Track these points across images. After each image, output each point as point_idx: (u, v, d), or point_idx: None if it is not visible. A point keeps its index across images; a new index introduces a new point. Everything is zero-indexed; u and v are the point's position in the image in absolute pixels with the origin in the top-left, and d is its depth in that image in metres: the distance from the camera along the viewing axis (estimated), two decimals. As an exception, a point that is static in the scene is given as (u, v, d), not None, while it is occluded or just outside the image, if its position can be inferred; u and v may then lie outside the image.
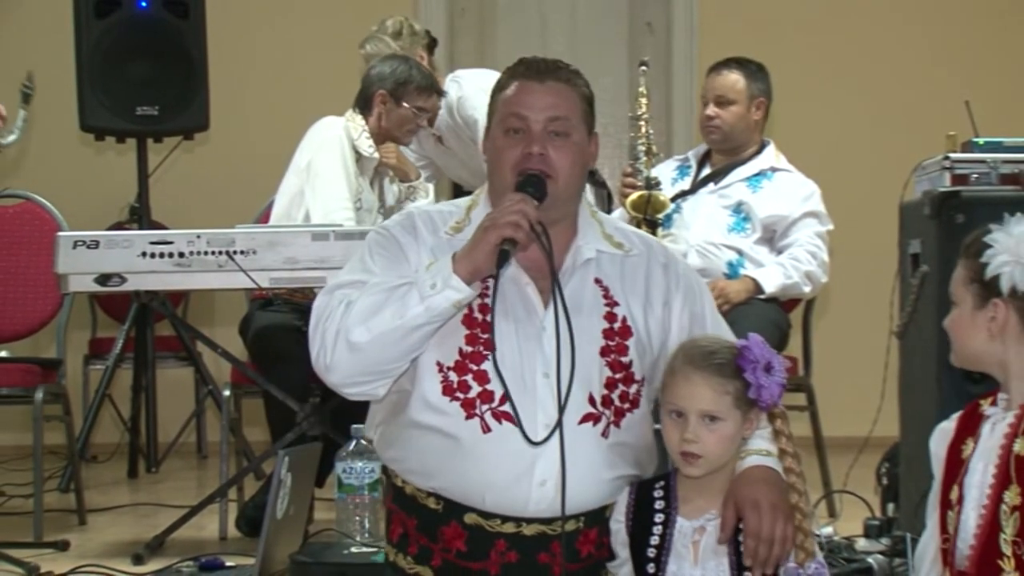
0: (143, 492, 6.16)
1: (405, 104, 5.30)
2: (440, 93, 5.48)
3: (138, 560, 4.47)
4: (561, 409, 2.87)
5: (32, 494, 5.08)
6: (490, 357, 2.92)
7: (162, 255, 4.43)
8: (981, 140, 4.54)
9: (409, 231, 3.06)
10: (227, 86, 6.58)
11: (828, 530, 4.38)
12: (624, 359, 3.00)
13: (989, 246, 2.74)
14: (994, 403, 2.81)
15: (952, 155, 4.49)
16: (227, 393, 5.29)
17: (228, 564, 4.27)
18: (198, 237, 4.45)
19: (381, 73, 5.32)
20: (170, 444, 6.95)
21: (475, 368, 2.92)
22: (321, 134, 5.27)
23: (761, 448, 2.93)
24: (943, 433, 2.89)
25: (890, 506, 4.79)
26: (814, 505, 4.59)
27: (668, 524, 2.90)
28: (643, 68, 5.59)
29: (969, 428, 2.82)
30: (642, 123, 5.48)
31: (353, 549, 4.01)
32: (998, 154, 4.47)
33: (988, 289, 2.74)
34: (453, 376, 2.93)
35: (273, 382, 4.77)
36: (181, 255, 4.43)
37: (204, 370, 6.15)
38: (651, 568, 2.89)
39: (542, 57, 3.10)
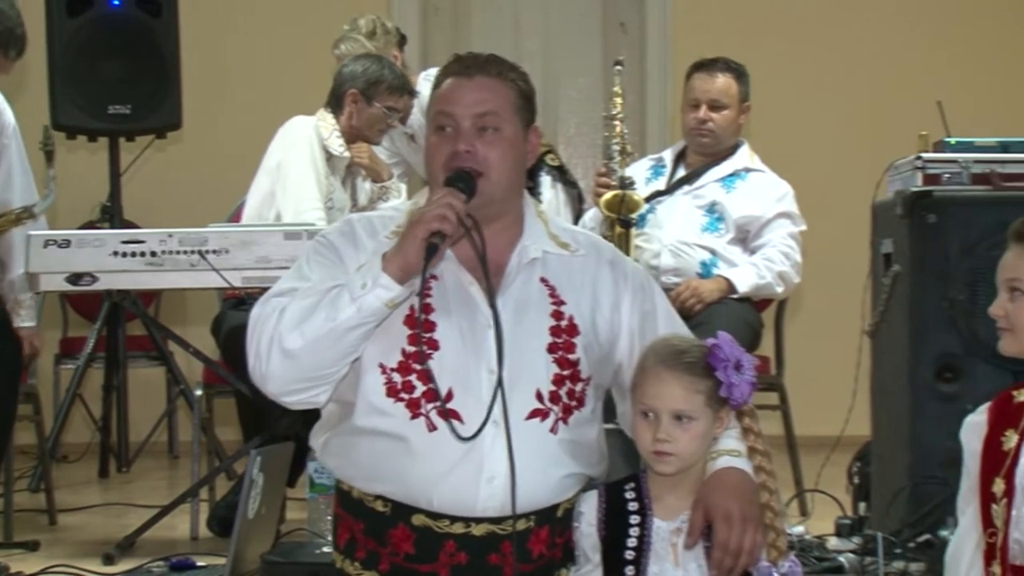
0: (114, 492, 6.15)
1: (376, 104, 5.30)
2: (412, 93, 5.48)
3: (108, 560, 4.46)
4: (494, 401, 2.84)
5: (2, 494, 5.06)
6: (433, 355, 2.90)
7: (134, 254, 4.42)
8: (953, 140, 4.57)
9: (348, 237, 3.04)
10: (200, 85, 6.57)
11: (799, 529, 4.39)
12: (571, 356, 2.98)
13: None
14: None
15: (924, 155, 4.52)
16: (199, 393, 5.30)
17: (199, 564, 4.27)
18: (170, 236, 4.45)
19: (353, 72, 5.32)
20: (141, 444, 6.94)
21: (419, 367, 2.89)
22: (291, 134, 5.27)
23: (732, 448, 2.94)
24: (975, 426, 2.88)
25: (861, 505, 4.81)
26: (786, 504, 4.61)
27: (645, 526, 2.90)
28: (618, 68, 5.60)
29: (1006, 419, 2.82)
30: (617, 123, 5.49)
31: (325, 549, 4.00)
32: (969, 154, 4.50)
33: None
34: (397, 377, 2.91)
35: (245, 381, 4.75)
36: (153, 254, 4.43)
37: (176, 369, 6.14)
38: (630, 571, 2.89)
39: (478, 53, 3.08)
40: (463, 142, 2.95)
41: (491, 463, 2.88)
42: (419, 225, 2.84)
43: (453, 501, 2.89)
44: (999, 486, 2.78)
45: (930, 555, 4.11)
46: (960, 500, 2.92)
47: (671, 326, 3.13)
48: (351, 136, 5.33)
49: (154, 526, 4.72)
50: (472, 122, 2.95)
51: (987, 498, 2.81)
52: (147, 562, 4.33)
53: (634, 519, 2.91)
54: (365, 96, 5.29)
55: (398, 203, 3.15)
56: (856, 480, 4.90)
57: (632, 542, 2.89)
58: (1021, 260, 2.77)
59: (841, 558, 4.10)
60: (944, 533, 4.06)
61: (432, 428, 2.88)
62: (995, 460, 2.81)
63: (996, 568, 2.78)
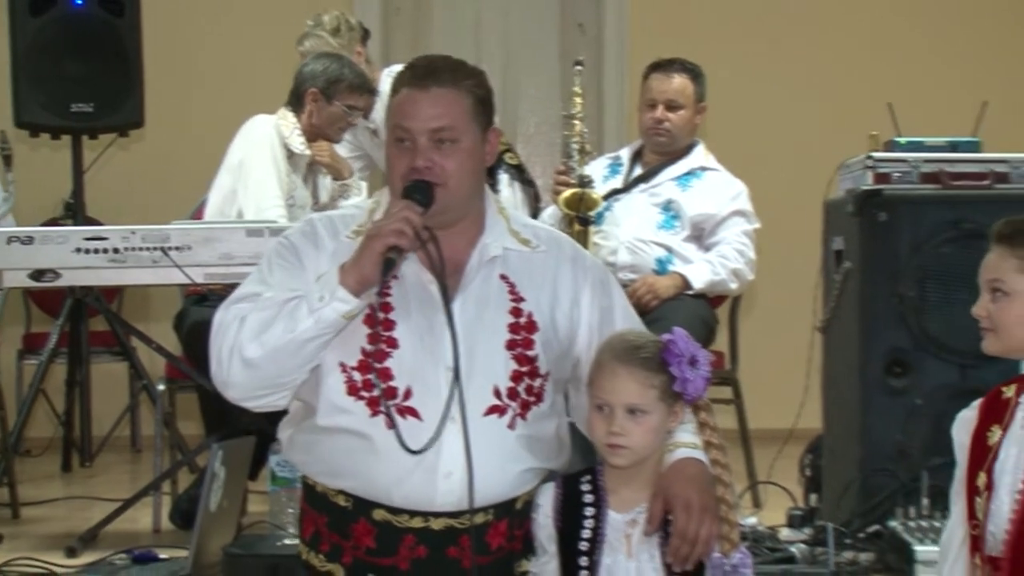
0: (77, 486, 6.12)
1: (336, 102, 5.29)
2: (372, 91, 5.47)
3: (71, 553, 4.44)
4: (450, 399, 2.86)
5: (-34, 488, 5.04)
6: (392, 354, 2.91)
7: (97, 251, 4.41)
8: (903, 140, 4.59)
9: (309, 238, 3.04)
10: (162, 84, 6.53)
11: (753, 520, 4.41)
12: (530, 353, 2.99)
13: None
14: (1021, 391, 2.83)
15: (875, 154, 4.54)
16: (161, 388, 5.28)
17: (161, 556, 4.25)
18: (133, 233, 4.43)
19: (313, 71, 5.31)
20: (104, 438, 6.90)
21: (378, 366, 2.90)
22: (252, 133, 5.26)
23: (689, 441, 2.95)
24: (965, 421, 2.91)
25: (813, 496, 4.84)
26: (739, 495, 4.64)
27: (599, 517, 2.91)
28: (578, 68, 5.61)
29: (993, 415, 2.85)
30: (576, 122, 5.50)
31: (286, 541, 3.99)
32: (919, 153, 4.53)
33: None
34: (357, 375, 2.92)
35: (207, 376, 4.73)
36: (116, 251, 4.41)
37: (138, 365, 6.10)
38: (584, 562, 2.89)
39: (432, 57, 3.05)
40: (420, 158, 2.93)
41: (449, 459, 2.88)
42: (377, 239, 2.84)
43: (412, 497, 2.91)
44: (982, 480, 2.81)
45: (879, 545, 4.13)
46: (952, 493, 2.96)
47: (628, 322, 3.14)
48: (312, 134, 5.32)
49: (117, 519, 4.70)
50: (428, 136, 2.94)
51: (972, 491, 2.84)
52: (110, 554, 4.31)
53: (589, 511, 2.92)
54: (325, 95, 5.28)
55: (359, 201, 3.15)
56: (808, 472, 4.92)
57: (587, 533, 2.90)
58: (1003, 261, 2.79)
59: (793, 548, 4.11)
60: (893, 524, 4.09)
61: (391, 426, 2.88)
62: (980, 454, 2.84)
63: (978, 559, 2.81)
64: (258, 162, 5.17)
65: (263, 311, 2.89)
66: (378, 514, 2.93)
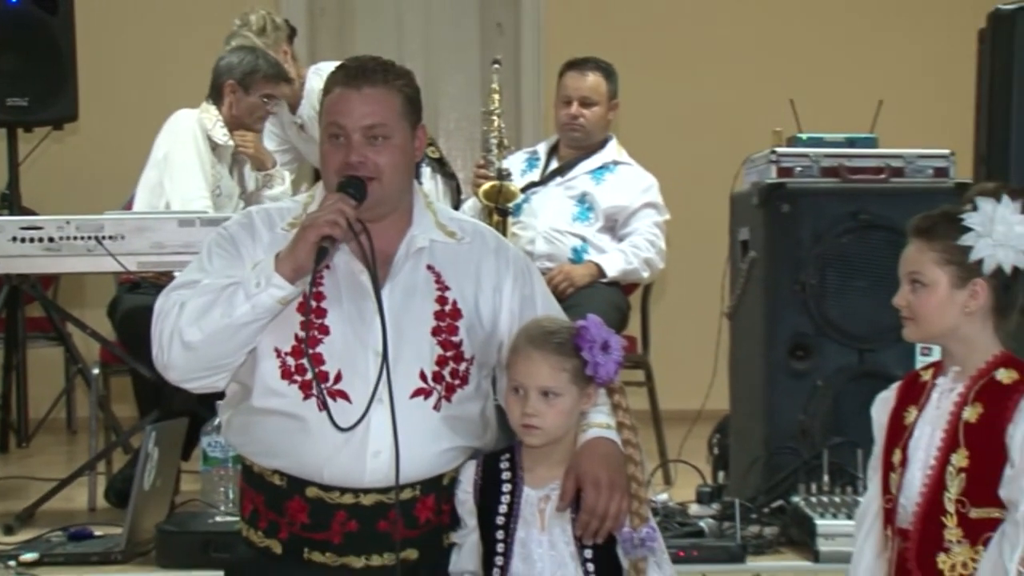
0: (14, 466, 6.05)
1: (253, 92, 5.27)
2: (288, 80, 5.44)
3: (8, 531, 4.39)
4: (378, 382, 2.87)
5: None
6: (324, 340, 2.94)
7: (33, 240, 4.36)
8: (804, 136, 4.63)
9: (247, 229, 3.07)
10: (96, 79, 6.47)
11: (664, 496, 4.43)
12: (454, 339, 3.02)
13: (968, 230, 2.78)
14: (936, 374, 2.88)
15: (778, 149, 4.58)
16: (96, 372, 5.24)
17: (97, 534, 4.22)
18: (68, 223, 4.39)
19: (230, 64, 5.29)
20: (40, 420, 6.83)
21: (311, 351, 2.92)
22: (175, 127, 5.23)
23: (602, 422, 2.98)
24: (884, 402, 2.96)
25: (720, 474, 4.87)
26: (651, 473, 4.65)
27: (516, 493, 2.94)
28: (496, 66, 5.62)
29: (911, 396, 2.90)
30: (495, 117, 5.51)
31: (217, 519, 3.99)
32: (820, 149, 4.57)
33: (968, 270, 2.79)
34: (291, 360, 2.94)
35: (141, 360, 4.71)
36: (51, 240, 4.37)
37: (74, 350, 6.06)
38: (500, 535, 2.92)
39: (363, 58, 3.06)
40: (354, 153, 2.97)
41: (377, 439, 2.91)
42: (311, 229, 2.87)
43: (342, 475, 2.93)
44: (897, 456, 2.86)
45: (783, 519, 4.17)
46: (869, 469, 3.01)
47: (549, 309, 3.17)
48: (233, 125, 5.30)
49: (53, 498, 4.66)
50: (362, 133, 2.97)
51: (887, 467, 2.89)
52: (46, 532, 4.26)
53: (506, 487, 2.95)
54: (243, 86, 5.26)
55: (298, 197, 3.18)
56: (715, 451, 4.95)
57: (503, 508, 2.93)
58: (921, 254, 2.84)
59: (701, 523, 4.13)
60: (796, 499, 4.13)
61: (322, 408, 2.91)
62: (897, 433, 2.89)
63: (890, 531, 2.87)
64: (182, 155, 5.15)
65: (202, 297, 2.91)
66: (311, 491, 2.95)
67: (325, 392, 2.91)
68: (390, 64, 3.06)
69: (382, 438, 2.90)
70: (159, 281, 4.83)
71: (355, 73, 3.00)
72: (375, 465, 2.92)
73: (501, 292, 3.11)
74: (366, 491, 2.94)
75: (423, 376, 2.97)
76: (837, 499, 4.09)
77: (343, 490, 2.94)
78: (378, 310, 2.91)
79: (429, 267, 3.07)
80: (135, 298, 4.96)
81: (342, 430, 2.88)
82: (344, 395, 2.92)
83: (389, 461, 2.90)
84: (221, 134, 5.25)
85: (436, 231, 3.11)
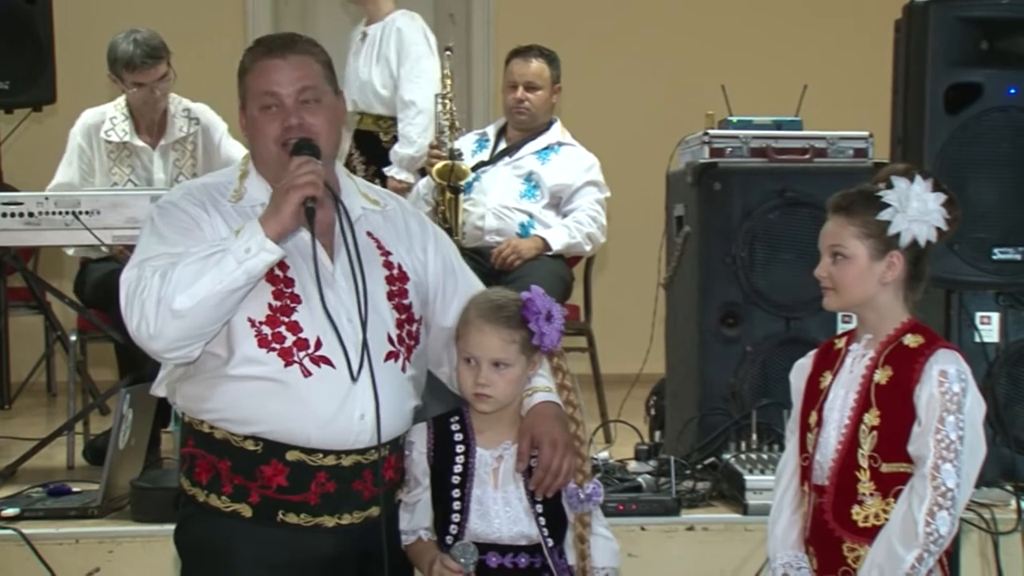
0: (-3, 427, 6.01)
1: (127, 82, 5.13)
2: (157, 57, 5.09)
3: (-8, 488, 4.36)
4: (365, 345, 2.82)
5: None
6: (298, 309, 2.84)
7: (13, 215, 4.32)
8: (735, 119, 4.63)
9: (198, 204, 2.93)
10: (73, 64, 6.39)
11: (604, 455, 4.43)
12: (405, 301, 2.98)
13: (886, 206, 2.81)
14: (850, 341, 2.91)
15: (711, 131, 4.58)
16: (74, 338, 5.20)
17: (75, 490, 4.19)
18: (46, 199, 4.35)
19: (107, 57, 5.14)
20: (22, 383, 6.76)
21: (286, 320, 2.83)
22: (75, 126, 5.24)
23: (545, 385, 2.97)
24: (801, 368, 2.99)
25: (657, 433, 4.88)
26: (592, 433, 4.66)
27: (469, 454, 2.91)
28: (448, 53, 5.61)
29: (826, 362, 2.93)
30: (447, 101, 5.50)
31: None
32: (749, 131, 4.58)
33: (886, 243, 2.82)
34: (267, 329, 2.82)
35: (116, 326, 4.67)
36: (31, 215, 4.32)
37: (53, 318, 5.99)
38: (456, 494, 2.90)
39: (276, 34, 3.03)
40: (293, 116, 2.89)
41: (362, 402, 2.83)
42: (293, 191, 2.76)
43: (332, 438, 2.85)
44: (813, 418, 2.89)
45: (715, 475, 4.19)
46: (787, 431, 3.03)
47: (464, 276, 3.13)
48: (140, 112, 5.17)
49: (34, 456, 4.63)
50: (295, 97, 2.89)
51: (804, 428, 2.92)
52: (27, 488, 4.23)
53: (460, 448, 2.92)
54: (117, 77, 5.14)
55: (225, 171, 3.04)
56: (652, 412, 4.96)
57: (458, 468, 2.90)
58: (840, 229, 2.85)
59: (640, 479, 4.14)
60: (727, 456, 4.14)
61: (307, 374, 2.82)
62: (813, 396, 2.92)
63: (806, 487, 2.89)
64: (67, 155, 5.25)
65: (188, 265, 2.75)
66: (292, 455, 2.85)
67: (308, 359, 2.83)
68: (305, 36, 3.01)
69: (366, 401, 2.83)
70: (124, 254, 4.78)
71: (279, 44, 2.94)
72: (360, 427, 2.84)
73: (427, 251, 3.08)
74: (348, 452, 2.86)
75: (390, 339, 2.91)
76: (765, 456, 4.10)
77: (327, 452, 2.85)
78: (352, 274, 2.83)
79: (369, 234, 3.00)
80: (105, 266, 4.94)
81: (355, 380, 2.80)
82: (327, 361, 2.83)
83: (372, 423, 2.83)
84: (120, 131, 5.13)
85: (362, 199, 3.04)
